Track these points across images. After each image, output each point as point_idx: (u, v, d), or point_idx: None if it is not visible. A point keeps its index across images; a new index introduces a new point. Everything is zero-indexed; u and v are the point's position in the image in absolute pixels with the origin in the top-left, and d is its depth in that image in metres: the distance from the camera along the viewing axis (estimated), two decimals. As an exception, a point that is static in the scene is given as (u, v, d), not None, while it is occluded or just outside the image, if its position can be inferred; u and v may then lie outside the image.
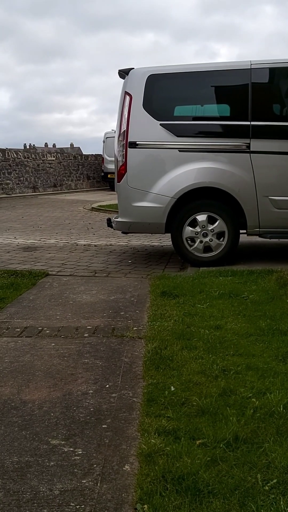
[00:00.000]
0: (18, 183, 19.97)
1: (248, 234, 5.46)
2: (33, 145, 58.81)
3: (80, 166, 24.62)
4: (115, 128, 6.04)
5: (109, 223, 5.94)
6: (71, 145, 64.20)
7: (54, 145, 64.44)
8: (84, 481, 1.71)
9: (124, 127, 5.36)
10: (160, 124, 5.29)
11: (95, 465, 1.80)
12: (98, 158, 25.20)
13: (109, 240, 7.69)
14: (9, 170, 19.44)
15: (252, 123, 5.15)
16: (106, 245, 7.20)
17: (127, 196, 5.43)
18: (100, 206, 13.35)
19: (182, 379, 2.46)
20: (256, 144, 5.14)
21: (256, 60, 5.25)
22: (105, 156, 21.83)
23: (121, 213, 5.59)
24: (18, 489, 1.67)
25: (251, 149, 5.15)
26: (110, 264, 5.70)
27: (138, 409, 2.20)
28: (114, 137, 6.30)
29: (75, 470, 1.77)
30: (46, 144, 66.48)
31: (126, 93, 5.39)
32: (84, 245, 7.14)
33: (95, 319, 3.55)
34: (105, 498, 1.62)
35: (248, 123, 5.16)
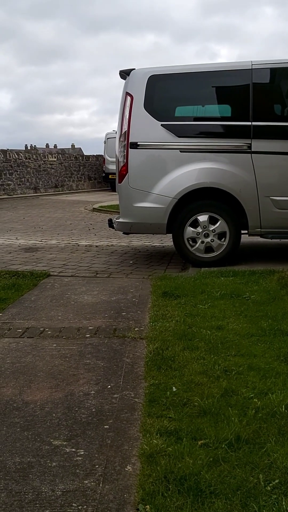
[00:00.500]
0: (20, 184, 19.99)
1: (250, 234, 5.46)
2: (34, 146, 58.87)
3: (81, 167, 24.65)
4: (116, 129, 6.05)
5: (111, 223, 5.95)
6: (72, 145, 64.26)
7: (55, 146, 64.52)
8: (86, 482, 1.71)
9: (125, 128, 5.36)
10: (161, 125, 5.29)
11: (97, 466, 1.80)
12: (99, 159, 25.23)
13: (110, 240, 7.69)
14: (10, 171, 19.46)
15: (253, 123, 5.15)
16: (108, 245, 7.21)
17: (128, 197, 5.43)
18: (101, 206, 13.36)
19: (184, 379, 2.46)
20: (257, 145, 5.14)
21: (257, 61, 5.25)
22: (106, 157, 21.86)
23: (123, 214, 5.59)
24: (20, 489, 1.67)
25: (252, 150, 5.15)
26: (112, 265, 5.71)
27: (140, 409, 2.20)
28: (115, 137, 6.31)
29: (77, 471, 1.77)
30: (47, 145, 66.56)
31: (127, 93, 5.40)
32: (86, 246, 7.15)
33: (97, 320, 3.55)
34: (107, 498, 1.62)
35: (249, 123, 5.16)
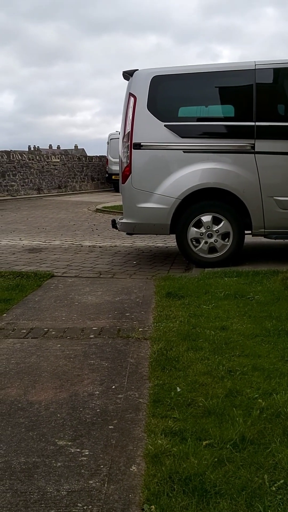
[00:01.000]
0: (23, 185, 20.04)
1: (253, 234, 5.45)
2: (38, 147, 59.00)
3: (84, 168, 24.67)
4: (119, 130, 6.06)
5: (114, 224, 5.95)
6: (75, 146, 64.38)
7: (58, 147, 64.58)
8: (91, 482, 1.71)
9: (128, 129, 5.37)
10: (165, 125, 5.29)
11: (102, 466, 1.80)
12: (102, 160, 25.25)
13: (114, 241, 7.70)
14: (14, 172, 19.51)
15: (257, 123, 5.15)
16: (111, 246, 7.21)
17: (132, 197, 5.44)
18: (104, 207, 13.37)
19: (188, 380, 2.46)
20: (261, 145, 5.14)
21: (260, 61, 5.25)
22: (109, 158, 21.86)
23: (126, 214, 5.60)
24: (26, 489, 1.68)
25: (255, 150, 5.15)
26: (115, 265, 5.71)
27: (145, 410, 2.20)
28: (118, 138, 6.33)
29: (82, 471, 1.78)
30: (50, 146, 66.67)
31: (131, 94, 5.40)
32: (89, 247, 7.15)
33: (101, 320, 3.56)
34: (112, 498, 1.62)
35: (252, 123, 5.16)
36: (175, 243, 5.70)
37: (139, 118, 5.32)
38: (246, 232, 5.41)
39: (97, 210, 13.12)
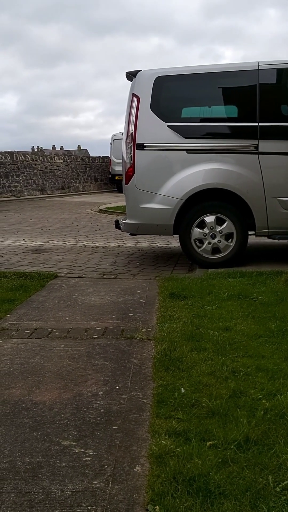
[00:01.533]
0: (26, 186, 20.08)
1: (257, 235, 5.45)
2: (41, 147, 59.09)
3: (87, 168, 24.70)
4: (122, 130, 6.06)
5: (117, 225, 5.96)
6: (79, 147, 64.45)
7: (61, 148, 64.70)
8: (96, 482, 1.71)
9: (131, 129, 5.37)
10: (168, 126, 5.30)
11: (106, 466, 1.81)
12: (106, 160, 25.28)
13: (117, 242, 7.70)
14: (17, 173, 19.55)
15: (260, 124, 5.14)
16: (114, 247, 7.22)
17: (135, 198, 5.44)
18: (107, 208, 13.38)
19: (192, 380, 2.46)
20: (264, 145, 5.13)
21: (263, 61, 5.24)
22: (113, 158, 21.88)
23: (129, 215, 5.60)
24: (30, 489, 1.68)
25: (259, 150, 5.14)
26: (119, 266, 5.72)
27: (148, 410, 2.21)
28: (121, 139, 6.32)
29: (86, 471, 1.78)
30: (53, 147, 66.76)
31: (134, 95, 5.41)
32: (92, 247, 7.16)
33: (104, 321, 3.56)
34: (116, 499, 1.62)
35: (256, 124, 5.15)
36: (178, 244, 5.70)
37: (142, 118, 5.32)
38: (249, 232, 5.40)
39: (100, 211, 13.13)
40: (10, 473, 1.78)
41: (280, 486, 1.64)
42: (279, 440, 1.91)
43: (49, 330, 3.38)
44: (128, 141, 5.45)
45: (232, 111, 5.51)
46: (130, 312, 3.77)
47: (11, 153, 19.60)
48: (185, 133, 5.29)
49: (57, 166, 22.39)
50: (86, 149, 62.93)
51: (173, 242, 7.24)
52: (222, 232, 5.30)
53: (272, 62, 5.26)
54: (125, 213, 5.82)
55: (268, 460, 1.78)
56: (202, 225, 5.34)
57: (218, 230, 5.30)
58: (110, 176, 23.30)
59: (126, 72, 5.63)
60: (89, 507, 1.59)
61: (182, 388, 2.37)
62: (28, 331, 3.35)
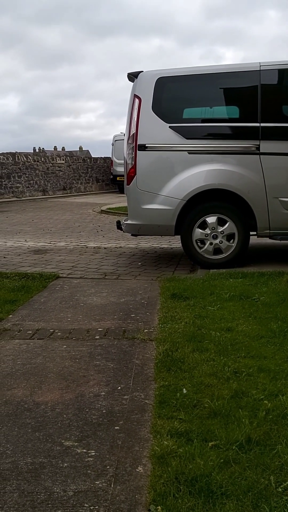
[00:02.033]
0: (28, 187, 20.10)
1: (258, 235, 5.45)
2: (43, 148, 59.16)
3: (89, 169, 24.72)
4: (123, 131, 6.07)
5: (119, 225, 5.96)
6: (80, 148, 64.49)
7: (63, 149, 64.73)
8: (98, 482, 1.72)
9: (133, 130, 5.38)
10: (169, 127, 5.30)
11: (108, 467, 1.81)
12: (107, 161, 25.31)
13: (118, 242, 7.71)
14: (19, 174, 19.58)
15: (262, 124, 5.14)
16: (116, 247, 7.23)
17: (137, 199, 5.44)
18: (109, 208, 13.39)
19: (194, 381, 2.46)
20: (266, 146, 5.14)
21: (265, 62, 5.25)
22: (114, 159, 21.91)
23: (131, 216, 5.61)
24: (33, 490, 1.69)
25: (260, 151, 5.14)
26: (120, 267, 5.72)
27: (150, 411, 2.21)
28: (123, 140, 6.34)
29: (89, 472, 1.78)
30: (55, 148, 66.81)
31: (135, 96, 5.42)
32: (94, 248, 7.17)
33: (106, 321, 3.57)
34: (118, 499, 1.63)
35: (257, 124, 5.15)
36: (180, 244, 5.70)
37: (144, 119, 5.33)
38: (251, 233, 5.40)
39: (102, 212, 13.14)
40: (13, 473, 1.78)
41: (282, 486, 1.64)
42: (281, 440, 1.91)
43: (51, 330, 3.38)
44: (129, 141, 5.46)
45: (234, 111, 5.51)
46: (132, 312, 3.77)
47: (13, 154, 19.63)
48: (187, 133, 5.29)
49: (59, 167, 22.41)
50: (88, 150, 62.97)
51: (175, 242, 7.25)
52: (223, 232, 5.30)
53: (273, 63, 5.26)
54: (127, 214, 5.83)
55: (270, 461, 1.78)
56: (203, 225, 5.34)
57: (219, 230, 5.30)
58: (111, 176, 23.33)
59: (128, 73, 5.64)
60: (92, 508, 1.59)
61: (184, 389, 2.37)
62: (30, 332, 3.36)
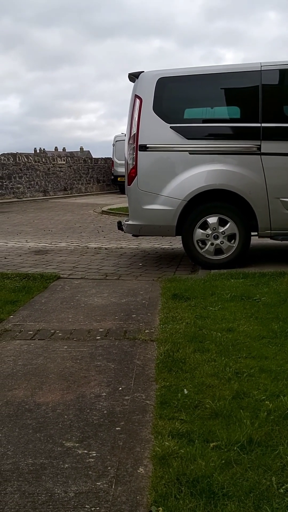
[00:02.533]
0: (29, 187, 20.11)
1: (260, 236, 5.44)
2: (43, 149, 59.20)
3: (90, 170, 24.73)
4: (124, 132, 6.07)
5: (120, 226, 5.96)
6: (81, 149, 64.53)
7: (64, 149, 64.78)
8: (99, 483, 1.71)
9: (134, 130, 5.38)
10: (170, 127, 5.30)
11: (109, 468, 1.80)
12: (108, 162, 25.31)
13: (119, 243, 7.71)
14: (20, 174, 19.59)
15: (263, 125, 5.14)
16: (117, 248, 7.22)
17: (138, 199, 5.44)
18: (110, 209, 13.39)
19: (195, 381, 2.45)
20: (267, 146, 5.13)
21: (266, 62, 5.24)
22: (115, 160, 21.91)
23: (132, 216, 5.60)
24: (33, 491, 1.68)
25: (261, 151, 5.14)
26: (121, 267, 5.72)
27: (151, 411, 2.20)
28: (123, 140, 6.34)
29: (90, 472, 1.78)
30: (56, 148, 66.87)
31: (136, 96, 5.41)
32: (95, 248, 7.17)
33: (107, 322, 3.56)
34: (120, 500, 1.62)
35: (258, 125, 5.15)
36: (181, 245, 5.70)
37: (145, 120, 5.33)
38: (252, 233, 5.40)
39: (103, 212, 13.14)
40: (14, 474, 1.78)
41: (283, 487, 1.64)
42: (282, 441, 1.90)
43: (52, 331, 3.38)
44: (130, 142, 5.46)
45: (235, 112, 5.51)
46: (133, 313, 3.77)
47: (13, 155, 19.64)
48: (188, 134, 5.29)
49: (60, 167, 22.42)
50: (89, 151, 63.01)
51: (176, 243, 7.24)
52: (224, 233, 5.30)
53: (274, 63, 5.26)
54: (128, 214, 5.83)
55: (272, 462, 1.78)
56: (204, 226, 5.34)
57: (220, 231, 5.30)
58: (112, 177, 23.34)
59: (129, 74, 5.64)
60: (93, 509, 1.58)
61: (185, 389, 2.36)
62: (31, 332, 3.35)
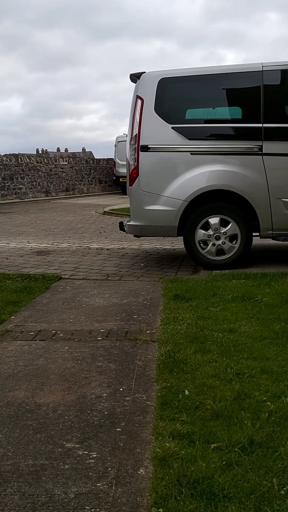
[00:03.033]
0: (31, 188, 20.13)
1: (261, 236, 5.43)
2: (46, 150, 59.25)
3: (92, 170, 24.74)
4: (126, 132, 6.07)
5: (121, 226, 5.96)
6: (83, 149, 64.55)
7: (66, 150, 64.80)
8: (99, 485, 1.71)
9: (136, 131, 5.37)
10: (172, 127, 5.29)
11: (109, 469, 1.80)
12: (110, 162, 25.32)
13: (121, 243, 7.71)
14: (22, 175, 19.61)
15: (264, 125, 5.13)
16: (119, 248, 7.22)
17: (139, 200, 5.44)
18: (112, 210, 13.39)
19: (196, 382, 2.45)
20: (269, 146, 5.12)
21: (267, 62, 5.23)
22: (117, 160, 21.91)
23: (133, 217, 5.60)
24: (33, 492, 1.68)
25: (263, 151, 5.13)
26: (123, 268, 5.71)
27: (152, 412, 2.20)
28: (125, 141, 6.33)
29: (90, 474, 1.77)
30: (58, 149, 66.90)
31: (138, 97, 5.41)
32: (97, 249, 7.17)
33: (108, 323, 3.56)
34: (120, 501, 1.61)
35: (260, 125, 5.14)
36: (183, 245, 5.69)
37: (146, 120, 5.33)
38: (254, 234, 5.39)
39: (105, 213, 13.14)
40: (14, 475, 1.78)
41: (284, 489, 1.63)
42: (283, 442, 1.90)
43: (53, 332, 3.38)
44: (132, 142, 5.45)
45: (236, 112, 5.50)
46: (134, 314, 3.76)
47: (16, 156, 19.67)
48: (189, 134, 5.28)
49: (62, 168, 22.44)
50: (91, 151, 63.01)
51: (178, 243, 7.24)
52: (226, 233, 5.29)
53: (276, 64, 5.25)
54: (129, 215, 5.82)
55: (273, 463, 1.77)
56: (206, 226, 5.33)
57: (222, 231, 5.29)
58: (114, 178, 23.34)
59: (130, 74, 5.64)
60: (93, 510, 1.58)
61: (186, 390, 2.36)
62: (32, 333, 3.35)
